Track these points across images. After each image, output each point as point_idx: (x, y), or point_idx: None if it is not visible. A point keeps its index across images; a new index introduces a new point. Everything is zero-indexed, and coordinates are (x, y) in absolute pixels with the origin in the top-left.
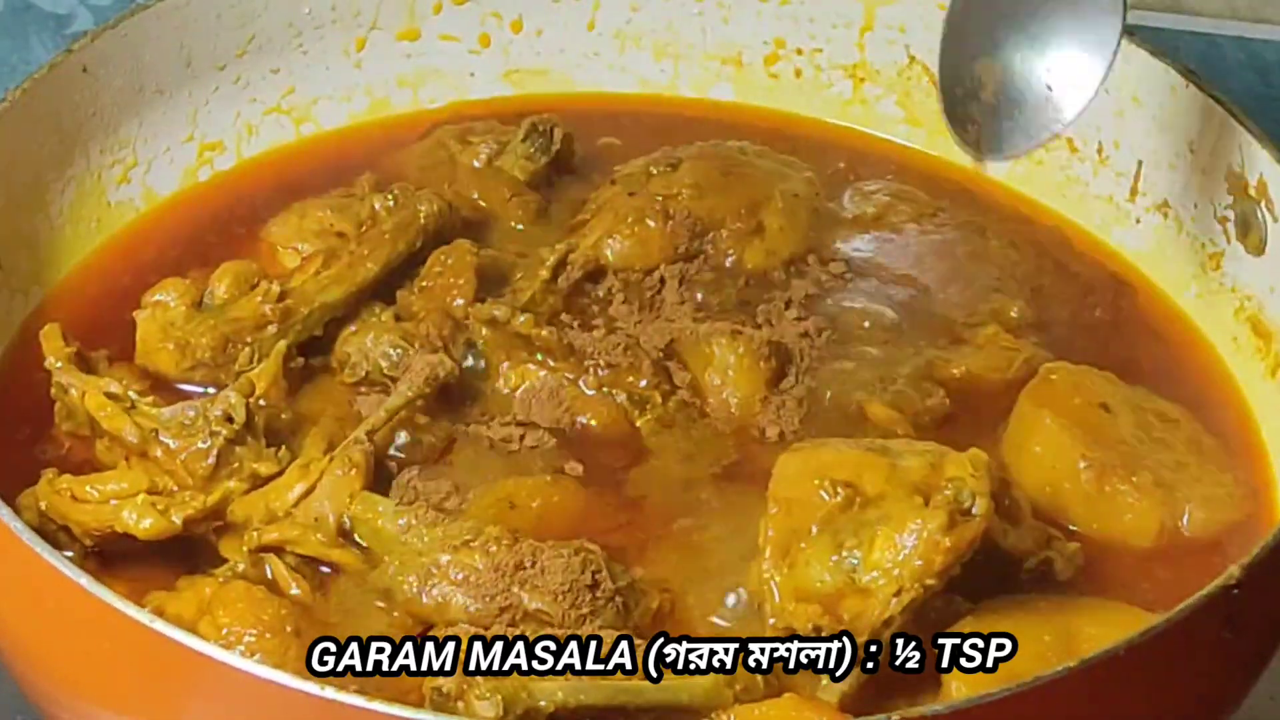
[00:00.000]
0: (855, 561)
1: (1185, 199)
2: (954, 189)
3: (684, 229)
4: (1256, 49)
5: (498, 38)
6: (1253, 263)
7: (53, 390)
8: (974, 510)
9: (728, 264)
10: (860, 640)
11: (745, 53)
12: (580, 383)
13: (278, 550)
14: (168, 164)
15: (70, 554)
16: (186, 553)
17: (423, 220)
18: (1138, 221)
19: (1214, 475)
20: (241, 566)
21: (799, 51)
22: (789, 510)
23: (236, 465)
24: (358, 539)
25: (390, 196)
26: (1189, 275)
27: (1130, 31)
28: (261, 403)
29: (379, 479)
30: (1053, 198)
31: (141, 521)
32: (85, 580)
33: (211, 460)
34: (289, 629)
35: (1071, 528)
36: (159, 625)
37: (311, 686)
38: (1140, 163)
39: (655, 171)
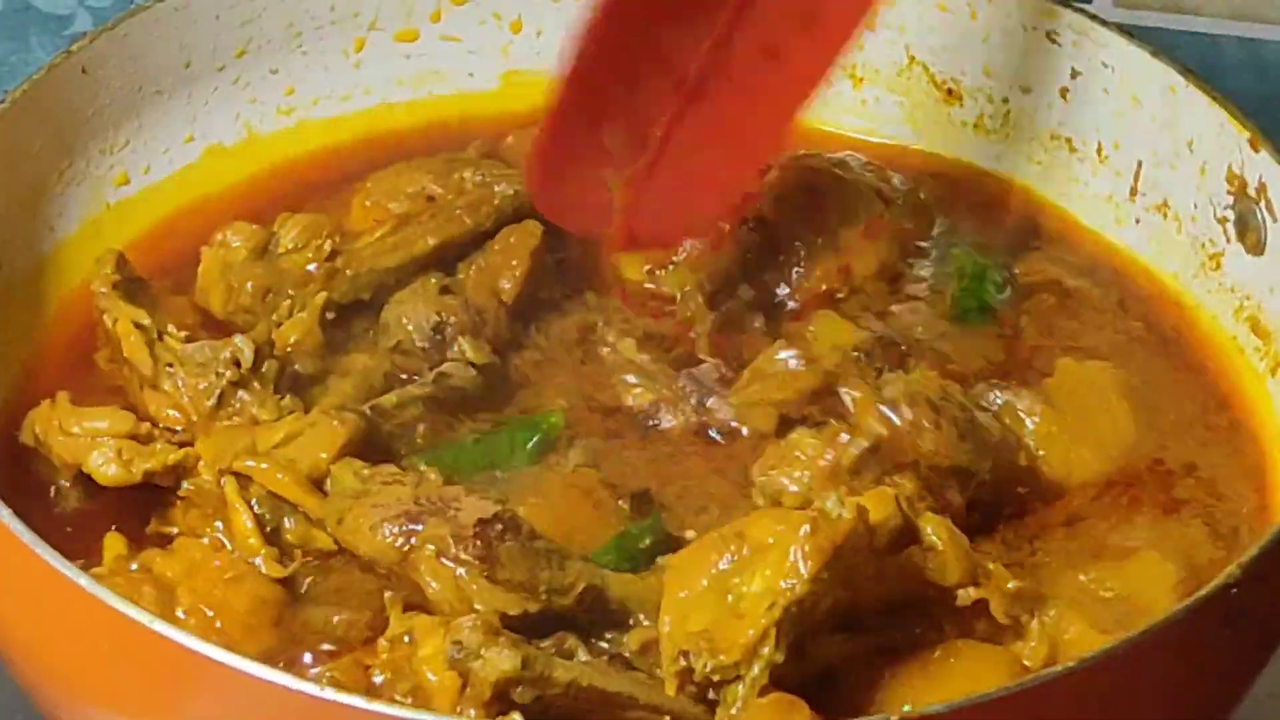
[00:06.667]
0: (738, 595)
1: (1185, 199)
2: (952, 189)
3: (757, 236)
4: (1256, 49)
5: (497, 38)
6: (1252, 263)
7: (96, 314)
8: (841, 515)
9: (796, 276)
10: (730, 659)
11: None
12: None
13: (245, 482)
14: (167, 164)
15: (61, 486)
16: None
17: (497, 201)
18: (1137, 221)
19: None
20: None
21: None
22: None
23: (238, 407)
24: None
25: (480, 170)
26: (1189, 275)
27: (1130, 32)
28: (289, 351)
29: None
30: (1052, 197)
31: (106, 467)
32: (85, 580)
33: (213, 401)
34: (268, 616)
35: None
36: (159, 625)
37: (311, 687)
38: (1140, 162)
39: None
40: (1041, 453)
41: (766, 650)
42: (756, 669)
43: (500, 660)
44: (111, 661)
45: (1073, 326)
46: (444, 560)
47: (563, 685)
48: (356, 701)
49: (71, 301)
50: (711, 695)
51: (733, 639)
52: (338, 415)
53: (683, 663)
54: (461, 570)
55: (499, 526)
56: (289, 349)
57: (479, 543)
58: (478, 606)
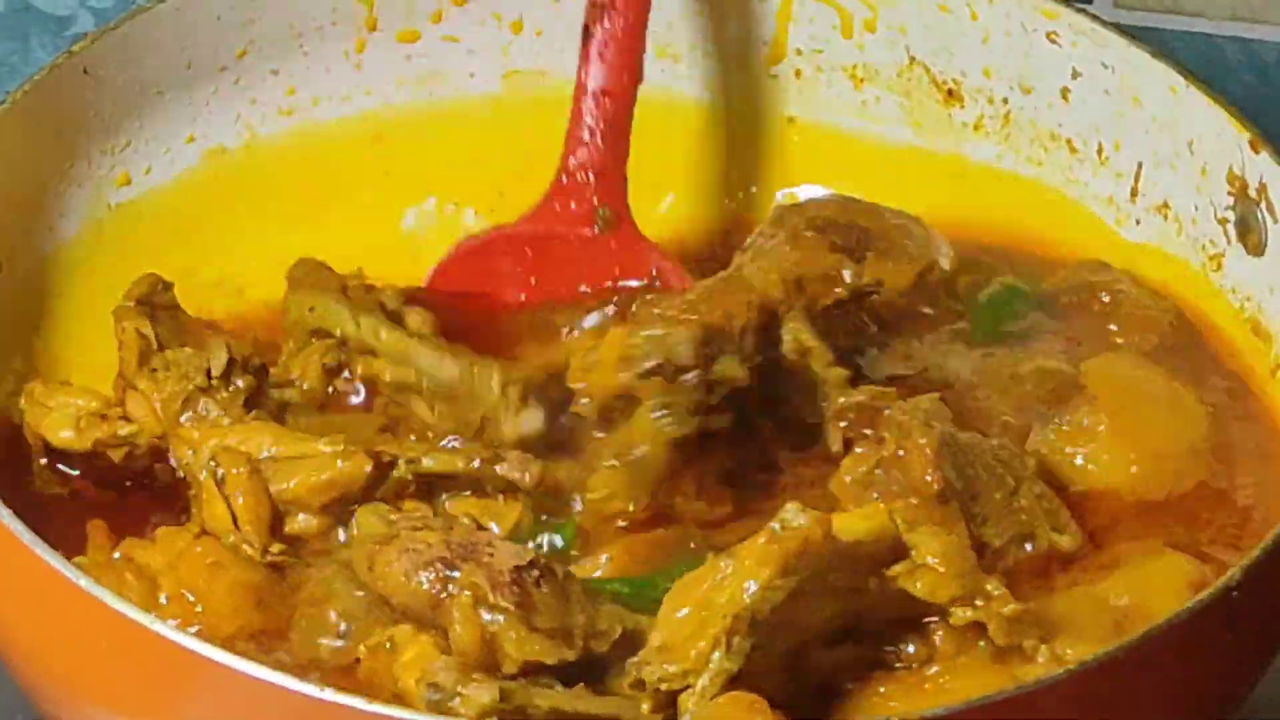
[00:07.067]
0: (711, 609)
1: (1185, 199)
2: (951, 190)
3: (828, 260)
4: (1256, 49)
5: (497, 39)
6: (1253, 264)
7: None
8: (800, 523)
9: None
10: (680, 668)
11: (745, 53)
12: None
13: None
14: (168, 165)
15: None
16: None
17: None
18: (1138, 222)
19: None
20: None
21: (798, 52)
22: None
23: (203, 414)
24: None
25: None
26: (1189, 276)
27: (1130, 32)
28: (292, 380)
29: None
30: (1052, 198)
31: (60, 431)
32: (85, 581)
33: (178, 405)
34: (253, 600)
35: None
36: (159, 626)
37: (311, 688)
38: (1140, 163)
39: (792, 213)
40: (1106, 457)
41: (717, 657)
42: (706, 678)
43: (479, 695)
44: (111, 661)
45: (1078, 330)
46: (481, 609)
47: (544, 711)
48: (356, 702)
49: (74, 303)
50: None
51: (687, 648)
52: (349, 456)
53: (634, 674)
54: (500, 617)
55: (535, 572)
56: (292, 379)
57: (516, 589)
58: (513, 655)
